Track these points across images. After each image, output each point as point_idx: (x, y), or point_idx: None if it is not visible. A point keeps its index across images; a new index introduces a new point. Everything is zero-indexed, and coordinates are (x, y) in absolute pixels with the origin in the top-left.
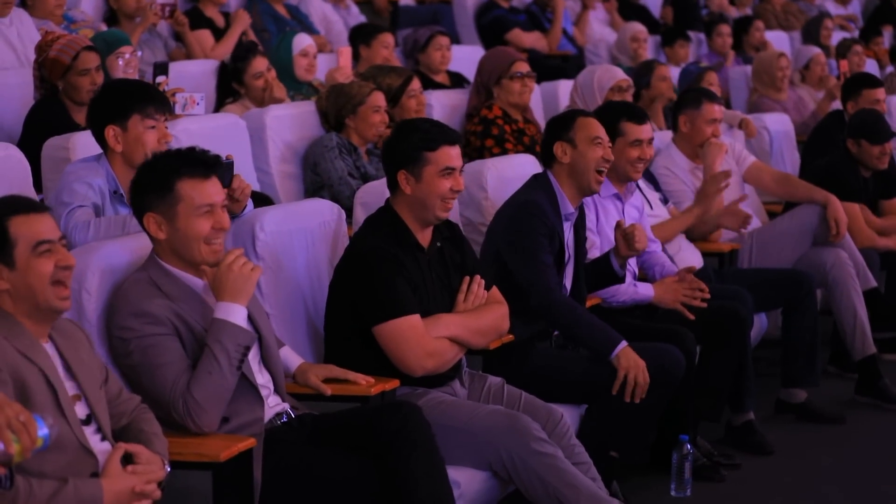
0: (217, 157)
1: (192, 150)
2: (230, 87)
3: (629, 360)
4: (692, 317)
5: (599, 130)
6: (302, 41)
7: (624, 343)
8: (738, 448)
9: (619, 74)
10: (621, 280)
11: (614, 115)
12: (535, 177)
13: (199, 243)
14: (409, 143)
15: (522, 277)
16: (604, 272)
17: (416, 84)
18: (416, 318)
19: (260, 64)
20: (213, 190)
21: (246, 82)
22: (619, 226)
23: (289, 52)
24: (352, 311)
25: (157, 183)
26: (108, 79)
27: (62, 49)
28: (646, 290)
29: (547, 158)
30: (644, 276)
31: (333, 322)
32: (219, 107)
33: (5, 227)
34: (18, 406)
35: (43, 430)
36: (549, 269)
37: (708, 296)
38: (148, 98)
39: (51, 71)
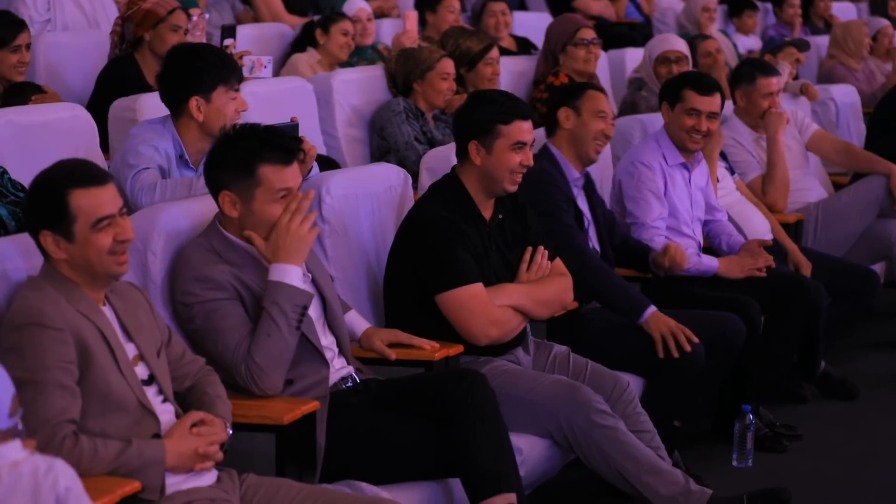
0: (299, 140)
1: (273, 132)
2: (308, 41)
3: (659, 323)
4: (764, 274)
5: (605, 106)
6: (353, 5)
7: (653, 307)
8: (826, 396)
9: (668, 45)
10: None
11: (680, 81)
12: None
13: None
14: (484, 114)
15: (550, 240)
16: (643, 260)
17: (494, 52)
18: (479, 286)
19: (349, 25)
20: (292, 175)
21: (331, 32)
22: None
23: None
24: (413, 278)
25: (237, 163)
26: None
27: (158, 3)
28: (710, 262)
29: (550, 125)
30: (709, 245)
31: (394, 288)
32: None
33: (66, 200)
34: None
35: None
36: (574, 229)
37: (773, 265)
38: (231, 68)
39: (140, 23)
